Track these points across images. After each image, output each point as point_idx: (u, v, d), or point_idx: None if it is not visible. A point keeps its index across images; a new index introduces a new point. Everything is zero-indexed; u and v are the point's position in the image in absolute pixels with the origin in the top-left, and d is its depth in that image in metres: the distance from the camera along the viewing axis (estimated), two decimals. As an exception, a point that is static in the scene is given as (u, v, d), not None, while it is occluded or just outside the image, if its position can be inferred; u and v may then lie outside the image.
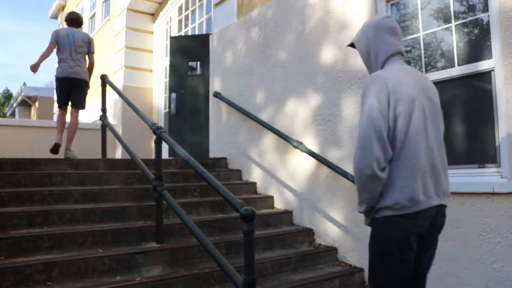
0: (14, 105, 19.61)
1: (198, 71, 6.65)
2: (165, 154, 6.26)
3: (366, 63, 2.05)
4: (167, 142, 3.40)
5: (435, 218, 1.84)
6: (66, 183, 4.01)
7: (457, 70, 3.20)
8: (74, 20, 5.19)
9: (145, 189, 4.07)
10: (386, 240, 1.78)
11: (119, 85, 7.97)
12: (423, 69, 3.45)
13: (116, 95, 7.00)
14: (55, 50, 5.06)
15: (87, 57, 5.24)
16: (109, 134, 5.42)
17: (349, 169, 3.79)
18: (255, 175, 4.92)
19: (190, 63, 6.64)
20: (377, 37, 1.96)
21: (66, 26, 5.21)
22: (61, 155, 5.23)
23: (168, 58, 7.24)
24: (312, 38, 4.31)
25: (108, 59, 9.06)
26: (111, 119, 7.83)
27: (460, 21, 3.23)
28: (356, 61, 3.84)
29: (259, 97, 4.95)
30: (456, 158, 3.21)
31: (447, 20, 3.33)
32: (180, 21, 7.91)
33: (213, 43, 5.83)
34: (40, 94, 17.36)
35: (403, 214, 1.74)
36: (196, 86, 6.58)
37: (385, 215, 1.78)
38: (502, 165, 2.89)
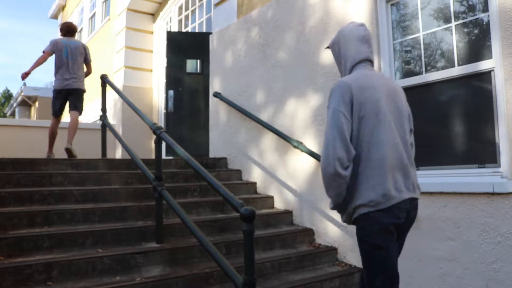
0: (14, 105, 19.60)
1: (198, 70, 6.63)
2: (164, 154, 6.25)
3: (338, 67, 2.19)
4: (167, 142, 3.40)
5: (409, 211, 1.97)
6: (66, 183, 4.01)
7: (457, 70, 3.20)
8: (67, 30, 5.34)
9: (145, 189, 4.07)
10: (369, 235, 1.91)
11: (119, 85, 7.97)
12: (423, 69, 3.45)
13: (116, 95, 6.99)
14: (51, 57, 5.20)
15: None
16: (109, 134, 5.42)
17: (349, 169, 3.78)
18: (255, 175, 4.92)
19: (189, 61, 6.61)
20: (348, 44, 2.09)
21: (61, 37, 5.35)
22: (61, 155, 5.24)
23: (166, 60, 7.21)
24: (312, 38, 4.31)
25: (108, 59, 9.07)
26: (111, 119, 7.83)
27: (460, 21, 3.23)
28: (356, 61, 3.84)
29: (259, 97, 4.95)
30: (456, 158, 3.21)
31: (447, 20, 3.33)
32: (180, 21, 7.91)
33: (213, 43, 5.83)
34: (40, 94, 17.34)
35: (379, 209, 1.87)
36: (196, 84, 6.55)
37: (362, 213, 1.90)
38: (502, 165, 2.89)
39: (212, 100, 5.72)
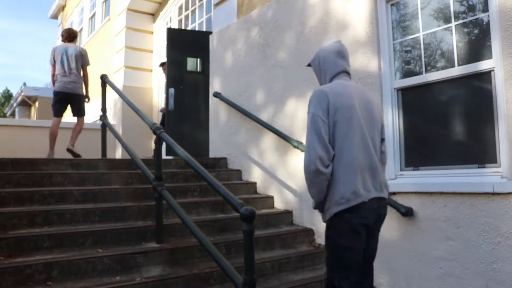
0: (14, 105, 19.59)
1: (198, 68, 6.62)
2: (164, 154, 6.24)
3: (318, 79, 2.40)
4: (167, 142, 3.40)
5: (377, 210, 2.14)
6: (66, 183, 4.01)
7: (457, 70, 3.20)
8: (67, 35, 5.60)
9: (145, 189, 4.07)
10: (337, 234, 2.08)
11: (119, 85, 7.97)
12: (423, 69, 3.45)
13: (116, 95, 6.99)
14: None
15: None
16: (109, 134, 5.42)
17: (349, 169, 3.78)
18: (255, 175, 4.92)
19: (190, 59, 6.59)
20: (327, 58, 2.32)
21: (61, 43, 5.60)
22: (61, 155, 5.24)
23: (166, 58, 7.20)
24: (312, 38, 4.31)
25: (108, 59, 9.07)
26: (111, 119, 7.83)
27: (460, 21, 3.23)
28: (356, 61, 3.84)
29: (259, 97, 4.95)
30: (456, 158, 3.21)
31: (447, 20, 3.32)
32: (180, 21, 7.91)
33: (213, 43, 5.83)
34: (40, 94, 17.33)
35: (348, 208, 2.03)
36: (196, 83, 6.52)
37: (334, 213, 2.06)
38: (502, 165, 2.89)
39: (212, 100, 5.72)
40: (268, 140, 4.76)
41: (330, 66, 2.30)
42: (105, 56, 9.17)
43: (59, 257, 2.89)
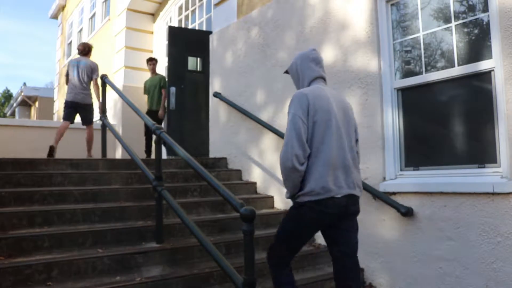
0: (14, 105, 19.60)
1: (199, 68, 6.62)
2: (164, 154, 6.24)
3: (296, 84, 2.57)
4: (167, 142, 3.40)
5: (346, 206, 2.29)
6: (66, 183, 4.01)
7: (457, 70, 3.20)
8: (81, 50, 6.01)
9: (145, 189, 4.07)
10: (303, 220, 2.28)
11: (119, 85, 7.97)
12: (423, 69, 3.45)
13: (116, 95, 7.00)
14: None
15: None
16: (109, 134, 5.42)
17: (349, 169, 3.78)
18: (255, 175, 4.92)
19: (191, 58, 6.58)
20: (304, 65, 2.49)
21: (76, 56, 6.07)
22: (61, 155, 5.24)
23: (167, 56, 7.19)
24: (312, 38, 4.31)
25: (108, 59, 9.06)
26: (111, 119, 7.83)
27: (460, 21, 3.23)
28: (356, 61, 3.84)
29: (259, 97, 4.95)
30: (456, 158, 3.20)
31: (447, 20, 3.32)
32: (180, 21, 7.91)
33: (213, 43, 5.82)
34: (40, 94, 17.34)
35: (316, 200, 2.21)
36: (197, 82, 6.52)
37: (303, 201, 2.24)
38: (502, 165, 2.89)
39: (212, 100, 5.72)
40: (268, 140, 4.76)
41: (307, 71, 2.48)
42: (105, 56, 9.16)
43: (59, 257, 2.89)
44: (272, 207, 4.59)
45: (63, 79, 12.81)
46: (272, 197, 4.63)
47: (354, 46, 3.86)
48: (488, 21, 3.02)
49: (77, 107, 5.72)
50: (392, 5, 3.72)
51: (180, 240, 3.52)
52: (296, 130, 2.21)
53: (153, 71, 7.15)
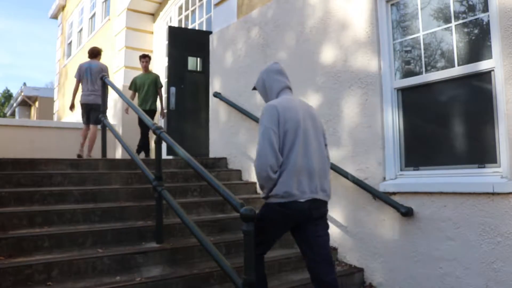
0: (14, 105, 19.60)
1: (199, 68, 6.61)
2: (164, 153, 6.23)
3: (264, 98, 2.70)
4: (167, 142, 3.40)
5: (309, 210, 2.40)
6: (66, 183, 4.01)
7: (457, 70, 3.20)
8: (91, 53, 6.25)
9: (145, 189, 4.07)
10: (269, 219, 2.45)
11: (119, 85, 7.96)
12: (423, 69, 3.45)
13: (116, 95, 6.99)
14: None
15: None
16: (109, 134, 5.43)
17: (349, 169, 3.79)
18: (255, 175, 4.91)
19: (191, 58, 6.57)
20: (270, 79, 2.64)
21: (87, 60, 6.28)
22: (61, 155, 5.24)
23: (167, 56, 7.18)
24: (312, 38, 4.31)
25: (108, 59, 9.06)
26: (111, 119, 7.83)
27: (460, 21, 3.23)
28: (356, 61, 3.84)
29: (259, 97, 4.94)
30: (456, 158, 3.20)
31: (447, 20, 3.32)
32: (180, 21, 7.91)
33: (213, 43, 5.83)
34: (40, 94, 17.34)
35: (280, 203, 2.37)
36: (197, 82, 6.51)
37: (271, 202, 2.41)
38: (502, 165, 2.89)
39: (212, 100, 5.72)
40: (268, 140, 4.75)
41: (274, 84, 2.62)
42: (105, 56, 9.15)
43: (59, 257, 2.89)
44: (272, 207, 4.59)
45: (63, 79, 12.85)
46: (272, 197, 4.62)
47: (354, 46, 3.87)
48: (488, 21, 3.02)
49: (90, 108, 5.95)
50: (392, 5, 3.72)
51: (180, 240, 3.52)
52: (269, 140, 2.33)
53: (146, 68, 6.86)
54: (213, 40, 5.83)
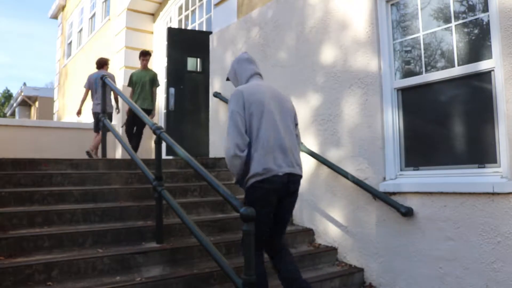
0: (14, 105, 19.61)
1: (198, 68, 6.61)
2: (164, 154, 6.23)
3: (235, 85, 2.87)
4: (167, 142, 3.39)
5: (287, 184, 2.55)
6: (66, 183, 4.01)
7: (457, 70, 3.20)
8: (98, 64, 6.59)
9: (145, 189, 4.07)
10: (253, 200, 2.52)
11: (119, 85, 7.95)
12: (423, 69, 3.45)
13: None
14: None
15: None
16: (109, 134, 5.43)
17: (349, 169, 3.79)
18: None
19: (190, 59, 6.56)
20: (240, 67, 2.85)
21: (95, 70, 6.61)
22: (61, 155, 5.25)
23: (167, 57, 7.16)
24: (312, 38, 4.31)
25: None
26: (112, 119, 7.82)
27: (460, 21, 3.23)
28: (356, 61, 3.84)
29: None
30: (456, 158, 3.21)
31: (447, 20, 3.32)
32: (180, 21, 7.91)
33: (213, 43, 5.83)
34: (40, 94, 17.34)
35: (261, 179, 2.48)
36: (196, 83, 6.50)
37: (250, 183, 2.51)
38: (502, 165, 2.89)
39: (212, 100, 5.72)
40: (268, 140, 4.74)
41: (243, 71, 2.82)
42: (105, 56, 9.16)
43: (59, 257, 2.89)
44: (272, 207, 4.58)
45: (63, 79, 12.85)
46: (272, 197, 4.62)
47: (354, 46, 3.87)
48: (488, 21, 3.02)
49: (97, 116, 6.10)
50: (392, 5, 3.72)
51: (180, 240, 3.52)
52: (235, 123, 2.51)
53: (145, 66, 6.69)
54: (213, 40, 5.83)
